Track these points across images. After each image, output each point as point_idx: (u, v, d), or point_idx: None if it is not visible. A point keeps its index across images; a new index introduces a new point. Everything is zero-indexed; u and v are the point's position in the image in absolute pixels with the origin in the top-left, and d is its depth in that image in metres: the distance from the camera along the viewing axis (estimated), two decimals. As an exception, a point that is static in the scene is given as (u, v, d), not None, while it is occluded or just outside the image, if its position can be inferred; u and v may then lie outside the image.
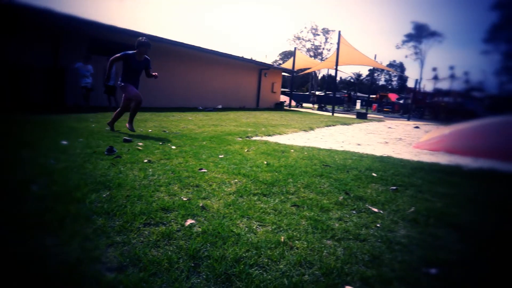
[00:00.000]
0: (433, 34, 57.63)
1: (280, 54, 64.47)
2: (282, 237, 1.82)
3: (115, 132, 5.37)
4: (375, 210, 2.37)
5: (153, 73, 5.52)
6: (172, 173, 2.94)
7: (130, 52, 5.44)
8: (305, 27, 62.68)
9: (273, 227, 1.96)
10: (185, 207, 2.15)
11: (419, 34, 58.50)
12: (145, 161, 3.34)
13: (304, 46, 55.96)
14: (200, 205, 2.21)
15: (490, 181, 3.56)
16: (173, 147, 4.26)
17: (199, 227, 1.88)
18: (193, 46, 13.62)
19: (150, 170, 3.00)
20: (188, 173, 2.98)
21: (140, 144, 4.28)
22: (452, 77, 30.47)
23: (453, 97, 25.36)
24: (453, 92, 27.51)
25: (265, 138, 6.05)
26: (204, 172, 3.09)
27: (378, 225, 2.10)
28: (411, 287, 1.43)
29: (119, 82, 5.55)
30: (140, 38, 5.38)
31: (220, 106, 15.67)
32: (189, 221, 1.94)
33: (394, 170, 3.73)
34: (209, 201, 2.33)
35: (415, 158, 4.80)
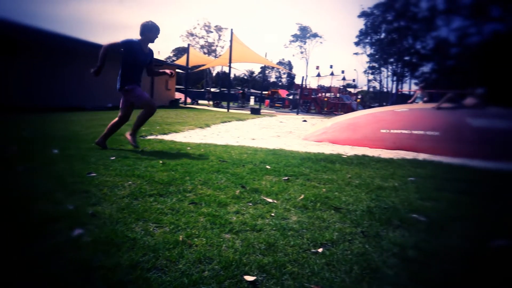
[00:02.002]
0: (315, 36, 63.19)
1: (173, 51, 62.88)
2: (181, 236, 1.80)
3: (107, 149, 4.17)
4: (270, 200, 2.51)
5: (165, 70, 4.43)
6: (56, 180, 2.64)
7: (135, 39, 4.22)
8: (198, 24, 62.34)
9: (171, 227, 1.92)
10: (72, 216, 1.95)
11: (304, 35, 63.55)
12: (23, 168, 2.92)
13: (197, 43, 55.58)
14: (90, 212, 2.04)
15: (363, 166, 4.09)
16: (55, 151, 3.82)
17: (90, 236, 1.73)
18: (72, 37, 12.32)
19: (31, 178, 2.64)
20: (75, 179, 2.71)
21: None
22: (332, 74, 33.96)
23: (333, 92, 28.24)
24: (333, 88, 30.63)
25: (160, 136, 5.86)
26: (94, 176, 2.85)
27: (272, 214, 2.23)
28: (302, 267, 1.57)
29: (120, 84, 4.24)
30: (146, 21, 4.19)
31: (110, 105, 14.56)
32: (78, 231, 1.77)
33: (285, 162, 4.00)
34: (99, 207, 2.16)
35: (304, 150, 5.22)
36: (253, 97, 35.20)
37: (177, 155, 4.06)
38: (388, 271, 1.56)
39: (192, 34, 56.21)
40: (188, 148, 4.67)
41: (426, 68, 45.51)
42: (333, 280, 1.47)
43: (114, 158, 3.63)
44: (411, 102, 10.69)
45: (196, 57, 27.54)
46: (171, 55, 61.71)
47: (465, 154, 5.42)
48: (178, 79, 35.94)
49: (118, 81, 4.27)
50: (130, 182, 2.73)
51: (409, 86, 47.11)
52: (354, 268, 1.57)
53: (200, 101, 30.91)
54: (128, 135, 4.45)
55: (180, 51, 57.58)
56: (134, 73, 4.26)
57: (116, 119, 4.39)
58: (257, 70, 67.98)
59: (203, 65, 30.57)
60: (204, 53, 52.48)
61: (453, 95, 6.92)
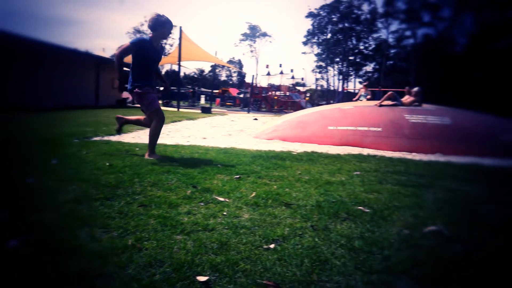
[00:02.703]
0: (264, 35, 63.94)
1: (119, 48, 60.29)
2: (130, 241, 1.74)
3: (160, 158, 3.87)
4: (222, 199, 2.51)
5: (165, 82, 4.35)
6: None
7: (146, 37, 3.89)
8: (146, 20, 60.34)
9: (119, 232, 1.85)
10: (10, 225, 1.81)
11: (253, 34, 64.03)
12: None
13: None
14: (31, 220, 1.90)
15: (312, 162, 4.23)
16: (54, 161, 3.50)
17: (31, 245, 1.62)
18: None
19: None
20: (12, 184, 2.51)
21: None
22: (281, 73, 34.66)
23: (283, 91, 28.81)
24: (283, 86, 31.22)
25: (106, 138, 5.60)
26: (33, 181, 2.66)
27: (224, 213, 2.23)
28: (254, 264, 1.59)
29: (131, 85, 3.84)
30: (158, 15, 3.83)
31: (50, 105, 13.61)
32: (13, 242, 1.64)
33: (237, 160, 4.02)
34: (41, 214, 2.02)
35: (255, 148, 5.28)
36: (203, 96, 34.85)
37: (125, 156, 3.91)
38: (336, 262, 1.64)
39: (139, 31, 54.24)
40: (137, 149, 4.51)
41: (369, 68, 47.96)
42: (285, 275, 1.51)
43: (56, 162, 3.41)
44: (355, 100, 11.23)
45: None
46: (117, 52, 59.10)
47: (404, 148, 5.81)
48: (125, 77, 34.51)
49: (129, 82, 3.92)
50: (74, 187, 2.58)
51: (354, 85, 49.44)
52: (304, 261, 1.63)
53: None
54: (149, 157, 3.91)
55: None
56: (147, 73, 3.90)
57: (155, 122, 3.98)
58: (207, 68, 67.39)
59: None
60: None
61: (393, 93, 7.38)
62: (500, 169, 4.48)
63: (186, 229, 1.93)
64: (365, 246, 1.82)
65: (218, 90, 38.16)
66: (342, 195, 2.79)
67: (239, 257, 1.64)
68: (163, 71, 55.24)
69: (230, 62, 70.30)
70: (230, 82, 72.35)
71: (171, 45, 53.50)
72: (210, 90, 35.96)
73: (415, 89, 7.54)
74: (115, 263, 1.52)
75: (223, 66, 67.29)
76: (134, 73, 3.86)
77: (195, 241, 1.79)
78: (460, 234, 2.06)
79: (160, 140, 5.53)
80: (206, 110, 17.03)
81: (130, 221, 2.00)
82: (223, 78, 74.35)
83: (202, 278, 1.44)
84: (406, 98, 7.43)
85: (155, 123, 3.96)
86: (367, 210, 2.41)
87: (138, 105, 4.07)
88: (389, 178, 3.52)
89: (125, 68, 4.10)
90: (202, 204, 2.40)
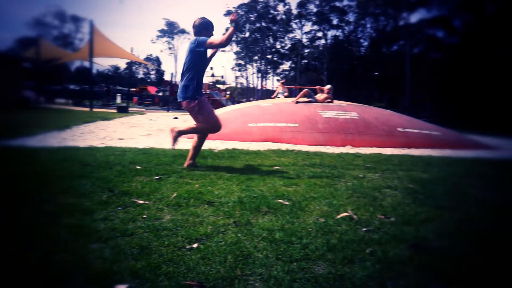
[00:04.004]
0: (183, 32, 62.56)
1: (17, 42, 53.61)
2: (35, 255, 1.58)
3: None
4: (141, 202, 2.42)
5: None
6: None
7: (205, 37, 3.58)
8: (49, 11, 54.59)
9: (23, 247, 1.66)
10: None
11: (171, 31, 62.21)
12: None
13: (49, 33, 48.70)
14: None
15: (233, 159, 4.29)
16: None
17: None
18: None
19: None
20: None
21: None
22: (202, 71, 34.28)
23: (203, 89, 28.53)
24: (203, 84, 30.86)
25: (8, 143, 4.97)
26: None
27: (144, 216, 2.15)
28: (177, 265, 1.56)
29: (192, 93, 3.52)
30: (200, 18, 3.67)
31: None
32: None
33: (157, 161, 3.89)
34: None
35: (176, 147, 5.15)
36: (119, 94, 32.89)
37: (29, 163, 3.52)
38: (259, 255, 1.69)
39: (41, 23, 48.91)
40: (44, 153, 4.09)
41: (286, 66, 50.01)
42: (209, 273, 1.51)
43: None
44: (274, 97, 11.63)
45: (49, 50, 24.19)
46: (14, 46, 52.52)
47: (319, 142, 6.21)
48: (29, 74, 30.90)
49: (191, 91, 3.54)
50: (-37, 200, 2.25)
51: (272, 83, 51.17)
52: (228, 257, 1.65)
53: (58, 100, 27.27)
54: (190, 165, 3.67)
55: (27, 43, 49.47)
56: (202, 80, 3.71)
57: (197, 140, 3.74)
58: (123, 65, 63.60)
59: (59, 59, 27.09)
60: (59, 45, 46.34)
61: (308, 91, 7.82)
62: (399, 157, 5.05)
63: (102, 237, 1.82)
64: (285, 237, 1.91)
65: (136, 88, 36.39)
66: (263, 189, 2.88)
67: (161, 260, 1.60)
68: (73, 68, 50.84)
69: (148, 59, 67.38)
70: (148, 80, 69.43)
71: (82, 40, 49.44)
72: (126, 89, 34.07)
73: (327, 86, 8.10)
74: (20, 280, 1.37)
75: (140, 64, 64.26)
76: (195, 78, 3.58)
77: (113, 248, 1.69)
78: (365, 218, 2.28)
79: (71, 143, 5.09)
80: (123, 110, 16.10)
81: (37, 234, 1.81)
82: (140, 76, 71.02)
83: (121, 287, 1.38)
84: (320, 95, 7.94)
85: (209, 131, 3.75)
86: (287, 203, 2.53)
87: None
88: (306, 171, 3.74)
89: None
90: (120, 208, 2.28)
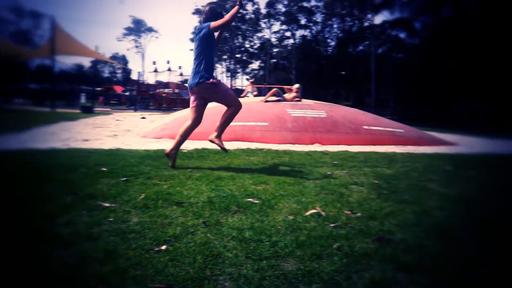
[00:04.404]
0: (150, 30, 61.28)
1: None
2: (-7, 263, 1.50)
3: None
4: (107, 204, 2.35)
5: None
6: None
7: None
8: (3, 5, 51.66)
9: (-22, 255, 1.57)
10: None
11: (138, 29, 60.74)
12: None
13: (5, 29, 46.09)
14: None
15: (202, 159, 4.26)
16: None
17: None
18: None
19: None
20: None
21: None
22: (169, 70, 33.75)
23: (172, 88, 28.18)
24: (171, 84, 30.53)
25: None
26: None
27: (110, 219, 2.09)
28: (145, 268, 1.53)
29: (203, 77, 3.59)
30: (210, 4, 2.88)
31: None
32: None
33: (124, 162, 3.79)
34: None
35: (143, 147, 5.05)
36: (84, 94, 31.72)
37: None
38: (229, 254, 1.69)
39: (-4, 19, 46.20)
40: (2, 156, 3.88)
41: (255, 65, 50.16)
42: (178, 274, 1.49)
43: None
44: (243, 96, 11.65)
45: (4, 47, 22.89)
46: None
47: (288, 141, 6.28)
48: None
49: (202, 73, 3.61)
50: None
51: (242, 82, 51.20)
52: (197, 258, 1.64)
53: (16, 100, 25.89)
54: (215, 139, 3.82)
55: (-22, 39, 46.51)
56: (213, 63, 3.75)
57: (189, 122, 3.79)
58: (87, 64, 61.34)
59: (17, 56, 25.69)
60: (17, 42, 43.92)
61: (277, 90, 7.90)
62: (365, 154, 5.21)
63: (65, 242, 1.75)
64: (255, 235, 1.92)
65: (101, 87, 35.22)
66: (233, 189, 2.88)
67: (128, 264, 1.56)
68: (33, 66, 48.41)
69: (113, 58, 65.42)
70: (115, 79, 67.40)
71: (42, 37, 47.19)
72: (91, 88, 32.92)
73: (296, 86, 8.20)
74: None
75: (105, 62, 62.29)
76: (207, 62, 3.63)
77: (77, 253, 1.64)
78: (333, 214, 2.34)
79: (32, 145, 4.85)
80: (87, 110, 15.53)
81: (-7, 241, 1.72)
82: (106, 74, 68.84)
83: (86, 292, 1.33)
84: (288, 94, 8.03)
85: (234, 108, 3.82)
86: (256, 201, 2.55)
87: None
88: (275, 169, 3.77)
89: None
90: (84, 212, 2.20)
